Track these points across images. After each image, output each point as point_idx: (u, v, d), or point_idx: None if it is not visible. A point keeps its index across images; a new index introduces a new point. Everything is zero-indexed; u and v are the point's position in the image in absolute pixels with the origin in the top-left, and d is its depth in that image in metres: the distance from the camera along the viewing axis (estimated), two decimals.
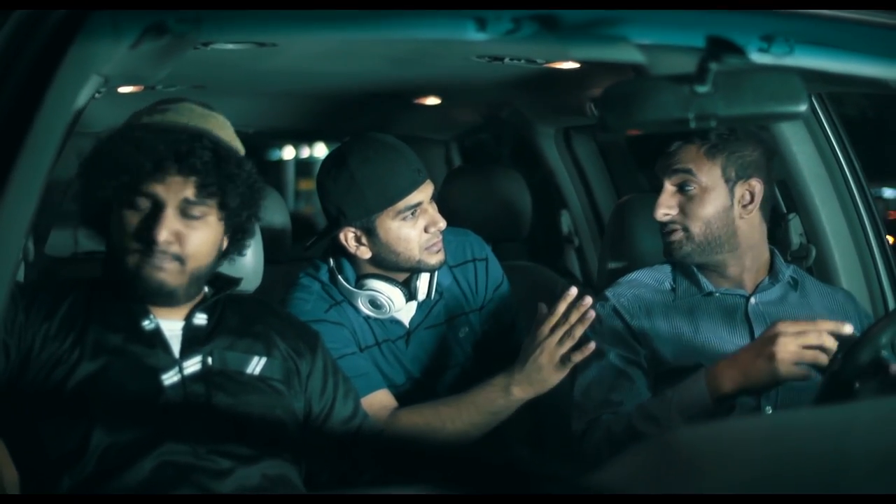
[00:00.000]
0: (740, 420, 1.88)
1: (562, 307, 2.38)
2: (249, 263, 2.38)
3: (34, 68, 1.41)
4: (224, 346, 2.12)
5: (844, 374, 1.76)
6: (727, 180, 2.43)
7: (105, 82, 1.91)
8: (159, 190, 2.03)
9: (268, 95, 3.48)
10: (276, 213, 3.41)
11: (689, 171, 2.43)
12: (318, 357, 2.25)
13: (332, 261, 2.64)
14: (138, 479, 1.93)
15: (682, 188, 2.44)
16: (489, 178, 3.60)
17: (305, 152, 15.97)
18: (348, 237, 2.57)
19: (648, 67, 2.26)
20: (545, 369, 2.39)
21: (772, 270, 2.52)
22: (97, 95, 2.17)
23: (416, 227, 2.55)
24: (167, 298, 2.08)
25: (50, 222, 3.31)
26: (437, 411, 2.49)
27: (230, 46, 2.45)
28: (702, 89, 1.52)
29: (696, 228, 2.44)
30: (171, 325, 2.10)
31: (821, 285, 2.63)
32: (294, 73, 2.93)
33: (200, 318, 2.13)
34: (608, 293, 2.55)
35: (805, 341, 2.07)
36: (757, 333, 2.42)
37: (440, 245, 2.60)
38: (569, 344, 2.37)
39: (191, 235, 2.06)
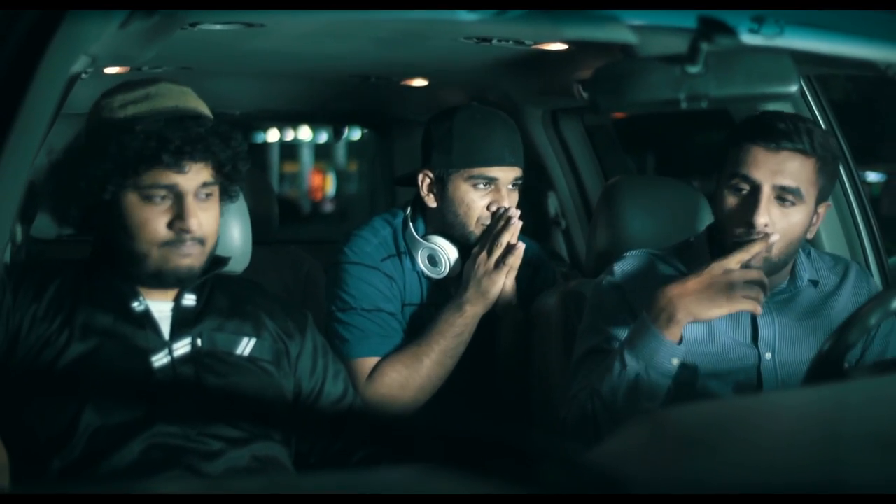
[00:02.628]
0: (734, 399, 1.89)
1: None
2: (237, 244, 2.37)
3: (23, 48, 1.40)
4: (213, 328, 2.12)
5: (834, 355, 1.77)
6: (817, 202, 2.30)
7: (92, 62, 1.89)
8: (178, 179, 2.03)
9: (254, 76, 3.46)
10: (263, 194, 3.40)
11: (797, 189, 2.25)
12: (307, 337, 2.24)
13: (409, 209, 2.77)
14: (128, 460, 1.93)
15: (782, 199, 2.26)
16: None
17: (290, 135, 15.92)
18: (425, 180, 2.72)
19: (639, 48, 2.26)
20: (484, 279, 2.59)
21: (792, 273, 2.40)
22: (84, 76, 2.15)
23: (481, 199, 2.67)
24: (191, 281, 2.09)
25: (36, 204, 3.29)
26: (412, 352, 2.61)
27: (218, 27, 2.44)
28: (693, 70, 1.52)
29: (779, 246, 2.27)
30: (160, 307, 2.10)
31: (836, 270, 2.49)
32: (281, 54, 2.92)
33: (189, 300, 2.12)
34: (616, 267, 2.46)
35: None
36: (762, 329, 2.35)
37: None
38: (497, 250, 2.59)
39: (207, 216, 2.07)
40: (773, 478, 1.02)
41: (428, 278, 2.73)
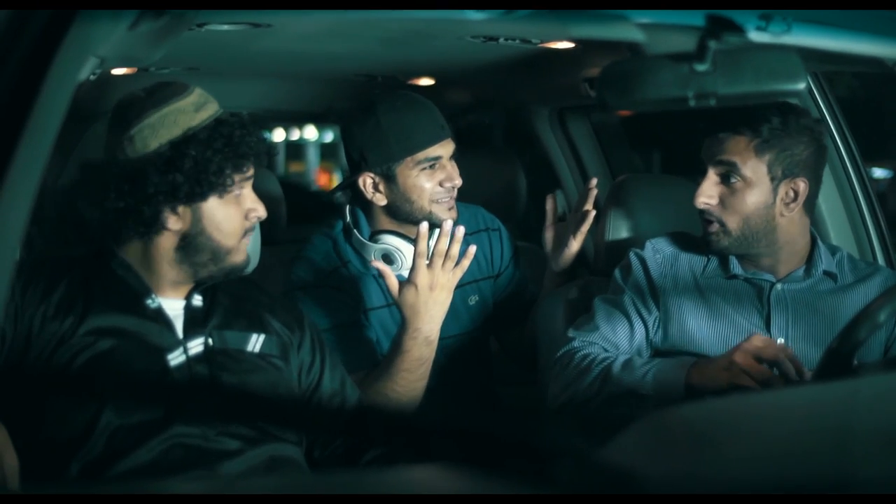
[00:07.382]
0: (745, 396, 1.89)
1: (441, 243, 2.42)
2: (248, 244, 2.37)
3: (34, 50, 1.40)
4: (222, 326, 2.13)
5: (843, 351, 1.77)
6: (772, 178, 2.35)
7: (100, 63, 1.89)
8: (250, 172, 2.09)
9: (260, 77, 3.47)
10: (271, 193, 3.40)
11: (734, 164, 2.35)
12: (305, 331, 2.26)
13: (348, 214, 2.71)
14: (148, 460, 1.93)
15: (725, 179, 2.37)
16: (483, 159, 3.60)
17: (295, 134, 15.95)
18: (367, 182, 2.66)
19: (646, 46, 2.26)
20: (434, 292, 2.41)
21: (809, 262, 2.44)
22: (91, 77, 2.15)
23: (432, 180, 2.64)
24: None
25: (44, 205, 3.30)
26: (375, 389, 2.48)
27: (225, 27, 2.44)
28: (701, 67, 1.52)
29: (734, 223, 2.38)
30: (172, 305, 2.10)
31: (862, 272, 2.50)
32: (288, 54, 2.92)
33: (198, 300, 2.13)
34: (648, 243, 2.56)
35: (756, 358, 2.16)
36: (775, 320, 2.40)
37: (453, 203, 2.68)
38: (449, 264, 2.41)
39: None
40: (782, 475, 1.03)
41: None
